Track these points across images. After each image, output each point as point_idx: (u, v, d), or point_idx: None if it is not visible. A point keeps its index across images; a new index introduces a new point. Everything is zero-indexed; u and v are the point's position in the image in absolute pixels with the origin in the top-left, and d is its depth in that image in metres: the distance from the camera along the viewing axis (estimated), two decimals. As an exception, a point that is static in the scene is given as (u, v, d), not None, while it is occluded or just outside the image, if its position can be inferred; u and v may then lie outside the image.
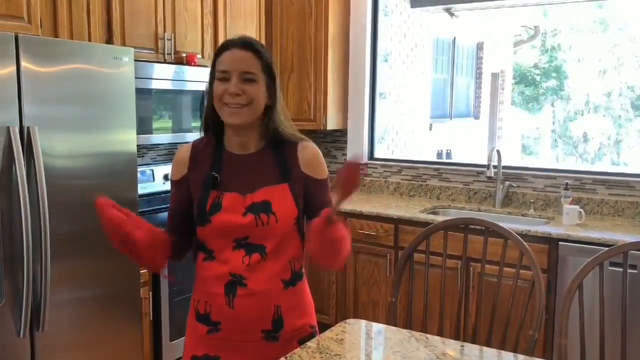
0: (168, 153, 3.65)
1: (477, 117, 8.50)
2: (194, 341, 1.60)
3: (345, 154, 4.31)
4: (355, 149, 4.25)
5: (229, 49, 1.51)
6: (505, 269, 2.02)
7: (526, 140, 11.93)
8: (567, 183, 3.34)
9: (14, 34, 2.12)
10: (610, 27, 11.29)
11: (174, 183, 1.63)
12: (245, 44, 1.51)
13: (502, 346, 1.83)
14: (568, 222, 3.13)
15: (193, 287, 1.64)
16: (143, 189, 3.26)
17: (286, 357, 1.49)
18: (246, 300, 1.53)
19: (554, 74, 12.20)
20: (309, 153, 1.61)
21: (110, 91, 2.44)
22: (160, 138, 3.12)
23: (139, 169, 3.05)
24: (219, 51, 1.53)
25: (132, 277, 2.61)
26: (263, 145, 1.59)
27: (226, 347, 1.56)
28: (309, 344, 1.58)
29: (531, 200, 3.56)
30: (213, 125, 1.58)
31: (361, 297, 3.60)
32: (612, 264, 2.55)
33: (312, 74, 3.95)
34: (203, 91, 3.25)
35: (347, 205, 3.63)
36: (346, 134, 4.28)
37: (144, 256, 1.53)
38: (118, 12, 2.85)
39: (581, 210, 3.15)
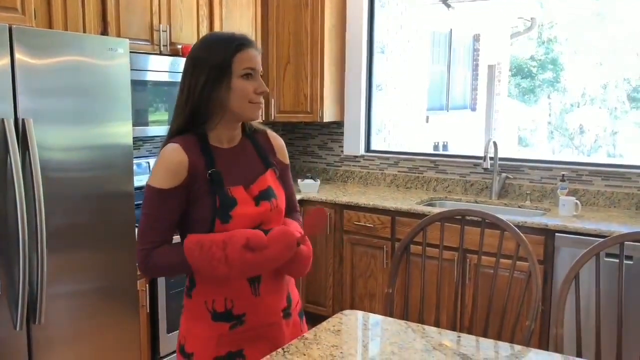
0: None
1: (473, 109, 8.49)
2: (214, 342, 1.54)
3: (342, 147, 4.31)
4: (352, 140, 4.25)
5: (248, 47, 1.53)
6: (502, 260, 2.03)
7: (522, 132, 11.94)
8: (563, 175, 3.35)
9: (7, 25, 2.10)
10: (606, 19, 11.28)
11: (169, 191, 1.48)
12: (254, 44, 1.56)
13: (498, 337, 1.84)
14: (564, 214, 3.14)
15: (190, 292, 1.57)
16: (139, 181, 3.25)
17: (283, 349, 1.49)
18: (269, 284, 1.57)
19: (550, 66, 12.20)
20: (279, 141, 1.73)
21: (106, 83, 2.42)
22: (156, 130, 3.10)
23: (134, 162, 3.04)
24: (237, 48, 1.50)
25: (129, 270, 2.60)
26: (242, 137, 1.64)
27: (249, 338, 1.56)
28: (306, 335, 1.59)
29: (527, 192, 3.57)
30: (197, 122, 1.54)
31: (358, 289, 3.61)
32: (608, 255, 2.56)
33: (309, 65, 3.94)
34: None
35: (344, 197, 3.64)
36: (343, 126, 4.28)
37: None
38: (113, 3, 2.83)
39: (577, 201, 3.16)
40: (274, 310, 1.59)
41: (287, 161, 1.73)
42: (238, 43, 1.51)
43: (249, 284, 1.54)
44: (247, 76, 1.51)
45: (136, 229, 2.63)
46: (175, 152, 1.50)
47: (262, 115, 3.96)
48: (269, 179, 1.61)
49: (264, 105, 1.59)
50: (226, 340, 1.54)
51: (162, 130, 3.13)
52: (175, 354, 2.94)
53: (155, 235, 1.51)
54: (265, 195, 1.57)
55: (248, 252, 1.45)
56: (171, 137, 1.55)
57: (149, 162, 3.41)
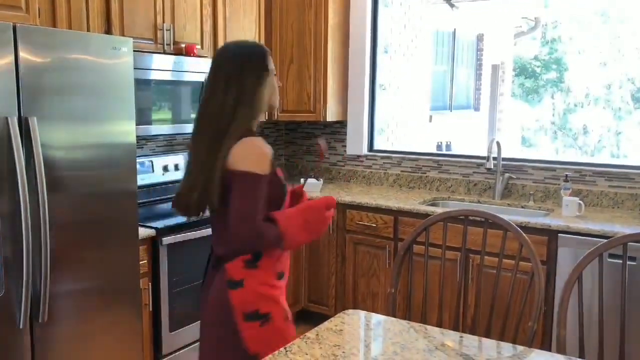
0: (167, 144, 3.65)
1: (477, 109, 8.48)
2: (283, 298, 1.85)
3: (345, 146, 4.31)
4: (355, 140, 4.25)
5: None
6: (505, 260, 2.03)
7: (526, 132, 11.91)
8: (566, 175, 3.34)
9: (11, 23, 2.10)
10: (610, 18, 11.25)
11: (268, 176, 1.73)
12: None
13: (501, 337, 1.84)
14: (567, 214, 3.13)
15: (257, 263, 1.77)
16: (142, 180, 3.26)
17: (286, 348, 1.50)
18: None
19: (554, 66, 12.16)
20: None
21: (109, 82, 2.42)
22: (160, 129, 3.11)
23: (138, 160, 3.04)
24: (267, 52, 1.84)
25: (132, 268, 2.61)
26: None
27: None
28: (307, 334, 1.59)
29: (531, 192, 3.56)
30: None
31: (360, 289, 3.61)
32: (611, 256, 2.55)
33: (312, 65, 3.94)
34: (202, 82, 3.24)
35: (347, 197, 3.64)
36: (346, 126, 4.27)
37: None
38: (117, 2, 2.83)
39: (580, 202, 3.15)
40: None
41: None
42: (265, 49, 1.85)
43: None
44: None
45: (139, 227, 2.65)
46: (267, 145, 1.76)
47: (265, 115, 3.97)
48: None
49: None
50: (285, 295, 1.86)
51: (165, 129, 3.13)
52: (177, 352, 2.95)
53: (262, 214, 1.71)
54: None
55: (327, 211, 1.85)
56: (239, 134, 1.74)
57: (152, 161, 3.41)
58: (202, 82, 3.23)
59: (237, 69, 1.76)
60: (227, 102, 1.74)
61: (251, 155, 1.71)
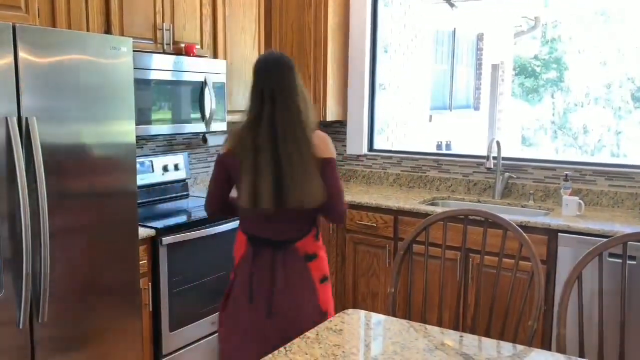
0: (167, 144, 3.64)
1: (477, 108, 8.47)
2: None
3: (345, 146, 4.31)
4: (355, 140, 4.25)
5: None
6: (505, 259, 2.03)
7: (526, 132, 11.92)
8: (566, 174, 3.34)
9: (11, 23, 2.10)
10: (610, 18, 11.25)
11: None
12: None
13: (501, 337, 1.84)
14: (567, 213, 3.13)
15: (318, 235, 2.12)
16: (142, 180, 3.26)
17: (285, 348, 1.50)
18: None
19: (554, 65, 12.16)
20: None
21: (109, 82, 2.42)
22: (159, 129, 3.10)
23: (137, 160, 3.04)
24: None
25: (132, 268, 2.61)
26: None
27: None
28: (307, 334, 1.59)
29: (531, 192, 3.56)
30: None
31: (360, 288, 3.61)
32: (611, 255, 2.55)
33: (312, 64, 3.94)
34: (202, 82, 3.24)
35: (347, 197, 3.63)
36: (346, 125, 4.27)
37: None
38: (116, 1, 2.83)
39: (580, 201, 3.15)
40: None
41: None
42: None
43: None
44: None
45: (139, 227, 2.65)
46: None
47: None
48: None
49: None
50: None
51: (165, 128, 3.13)
52: (177, 352, 2.95)
53: None
54: None
55: None
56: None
57: (152, 161, 3.41)
58: (202, 82, 3.23)
59: (294, 78, 2.07)
60: (300, 105, 2.03)
61: (329, 143, 2.09)
